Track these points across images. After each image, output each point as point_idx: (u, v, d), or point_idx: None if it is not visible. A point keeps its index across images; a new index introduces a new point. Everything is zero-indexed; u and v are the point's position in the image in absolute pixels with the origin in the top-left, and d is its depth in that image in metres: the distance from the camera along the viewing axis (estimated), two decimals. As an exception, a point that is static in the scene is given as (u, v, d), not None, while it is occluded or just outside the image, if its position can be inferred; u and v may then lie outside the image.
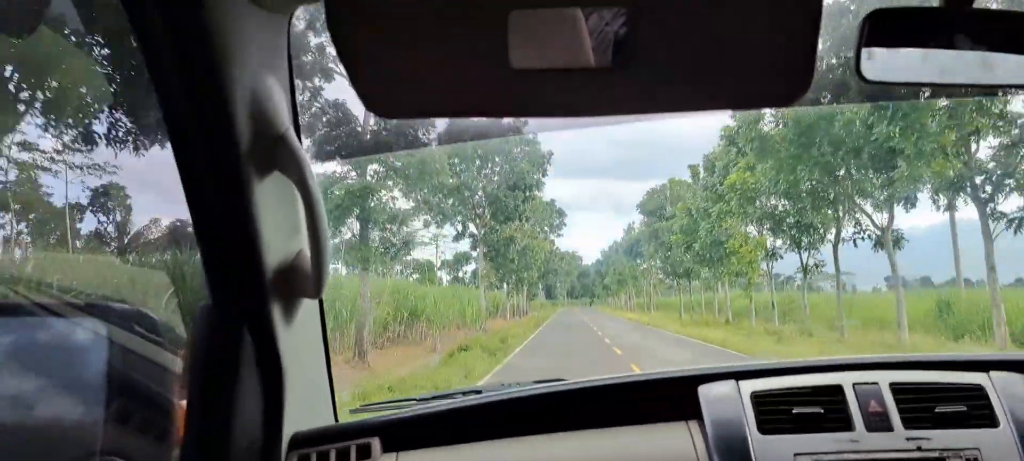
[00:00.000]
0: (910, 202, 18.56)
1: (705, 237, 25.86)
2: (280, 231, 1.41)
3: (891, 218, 18.76)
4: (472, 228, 29.87)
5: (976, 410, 1.57)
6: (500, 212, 28.57)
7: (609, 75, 0.82)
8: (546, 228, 36.94)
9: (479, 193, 28.47)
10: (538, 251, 33.46)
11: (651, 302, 43.28)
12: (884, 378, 1.64)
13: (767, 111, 18.81)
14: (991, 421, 1.56)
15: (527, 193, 28.32)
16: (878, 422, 1.56)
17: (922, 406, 1.58)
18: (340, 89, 17.68)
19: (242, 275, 1.37)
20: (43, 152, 11.91)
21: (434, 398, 1.92)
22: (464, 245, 31.25)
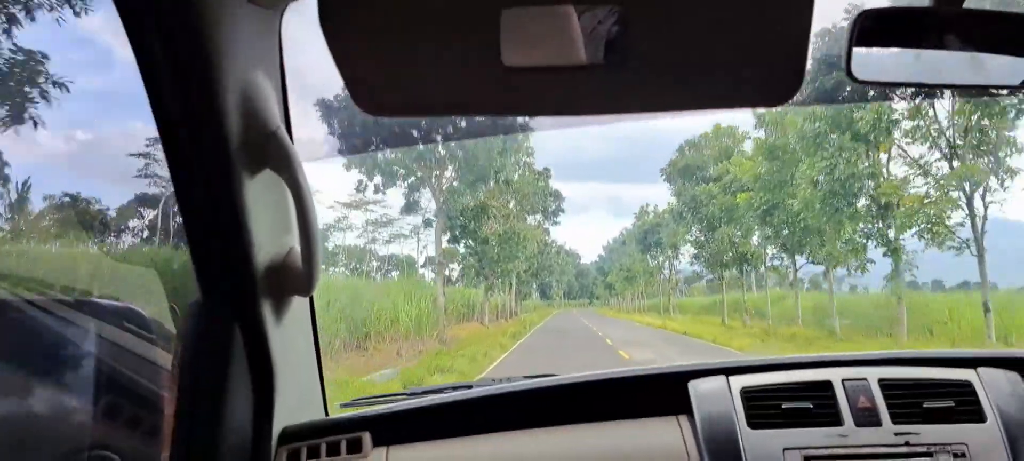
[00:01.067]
0: None
1: (811, 189, 15.48)
2: (271, 228, 1.41)
3: None
4: (429, 197, 22.97)
5: (964, 406, 1.59)
6: (469, 169, 21.60)
7: (601, 73, 0.82)
8: (539, 215, 29.09)
9: (438, 139, 21.05)
10: (528, 239, 26.72)
11: (669, 303, 34.45)
12: (873, 374, 1.65)
13: None
14: (978, 417, 1.57)
15: (507, 140, 22.69)
16: (867, 417, 1.57)
17: (911, 402, 1.59)
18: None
19: (233, 271, 1.37)
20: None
21: (425, 392, 1.92)
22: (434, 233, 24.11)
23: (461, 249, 25.81)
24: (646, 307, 38.96)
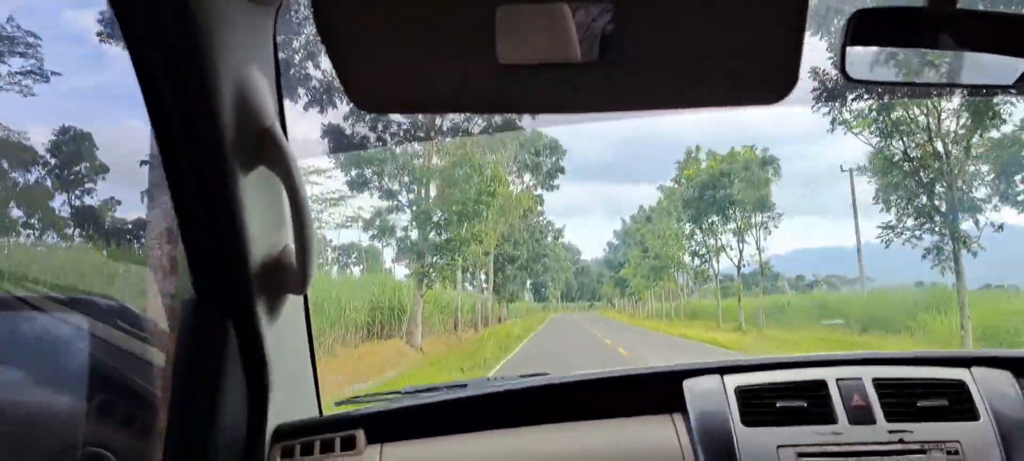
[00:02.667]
0: None
1: None
2: (265, 225, 1.40)
3: None
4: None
5: (957, 404, 1.60)
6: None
7: (596, 71, 0.82)
8: (527, 176, 19.98)
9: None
10: (505, 197, 17.37)
11: (739, 307, 21.08)
12: (867, 373, 1.66)
13: None
14: (972, 415, 1.58)
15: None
16: (861, 415, 1.58)
17: (904, 400, 1.60)
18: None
19: (227, 269, 1.36)
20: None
21: (419, 391, 1.92)
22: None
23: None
24: (682, 311, 26.44)
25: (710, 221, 21.97)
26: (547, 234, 27.86)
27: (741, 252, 21.32)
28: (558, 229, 30.23)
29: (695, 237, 23.22)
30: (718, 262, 22.91)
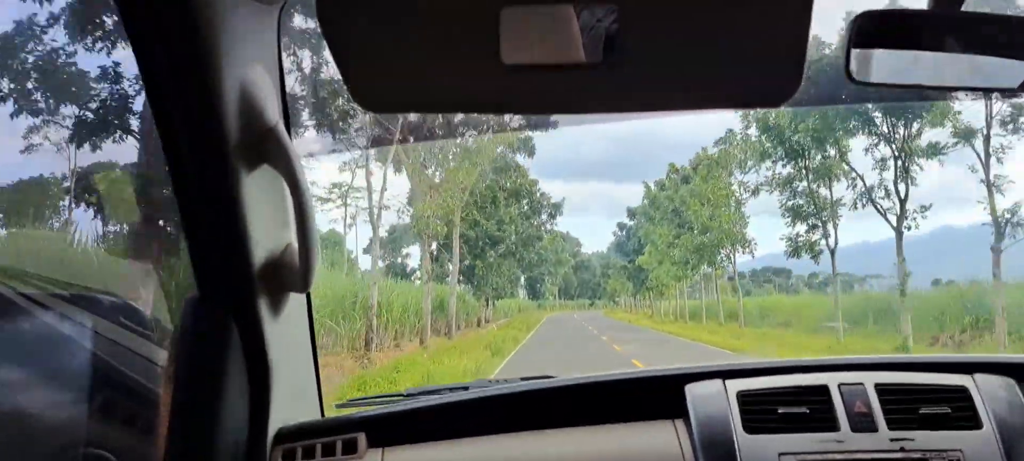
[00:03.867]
0: None
1: None
2: (268, 224, 1.40)
3: None
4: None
5: (960, 412, 1.59)
6: None
7: (600, 72, 0.82)
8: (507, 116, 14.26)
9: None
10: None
11: (902, 317, 13.27)
12: (869, 379, 1.65)
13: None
14: (974, 423, 1.57)
15: None
16: (863, 422, 1.57)
17: (907, 407, 1.59)
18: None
19: (230, 268, 1.36)
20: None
21: (421, 394, 1.92)
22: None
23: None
24: (746, 316, 18.41)
25: (827, 155, 12.46)
26: (541, 211, 21.79)
27: (903, 199, 11.96)
28: (555, 204, 23.50)
29: (794, 185, 13.95)
30: (837, 228, 13.63)
